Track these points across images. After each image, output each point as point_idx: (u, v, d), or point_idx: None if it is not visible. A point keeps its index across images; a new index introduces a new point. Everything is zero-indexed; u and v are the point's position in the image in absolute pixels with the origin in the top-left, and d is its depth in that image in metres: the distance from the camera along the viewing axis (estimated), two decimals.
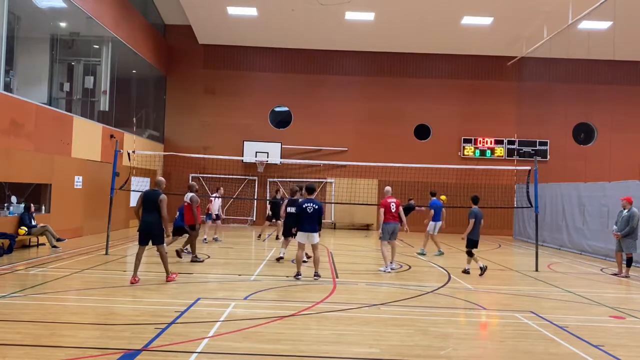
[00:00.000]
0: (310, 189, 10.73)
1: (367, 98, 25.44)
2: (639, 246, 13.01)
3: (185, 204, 12.60)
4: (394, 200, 11.95)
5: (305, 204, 10.32)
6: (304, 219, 10.27)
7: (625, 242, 12.28)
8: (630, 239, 12.23)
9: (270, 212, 17.14)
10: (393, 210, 11.78)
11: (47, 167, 14.96)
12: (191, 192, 12.84)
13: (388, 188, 12.40)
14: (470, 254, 11.76)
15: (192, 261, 12.12)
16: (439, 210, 15.42)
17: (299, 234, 10.43)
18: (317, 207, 10.32)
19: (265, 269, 11.69)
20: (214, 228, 17.20)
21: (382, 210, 11.85)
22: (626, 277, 12.26)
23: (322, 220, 10.75)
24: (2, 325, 6.36)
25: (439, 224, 15.50)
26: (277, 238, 17.43)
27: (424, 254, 15.21)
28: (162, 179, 10.04)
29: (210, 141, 24.99)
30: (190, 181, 24.27)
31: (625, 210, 12.33)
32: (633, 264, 13.72)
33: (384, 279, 10.87)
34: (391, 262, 11.85)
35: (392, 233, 11.79)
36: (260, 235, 18.17)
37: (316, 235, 10.36)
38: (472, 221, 11.67)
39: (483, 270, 11.54)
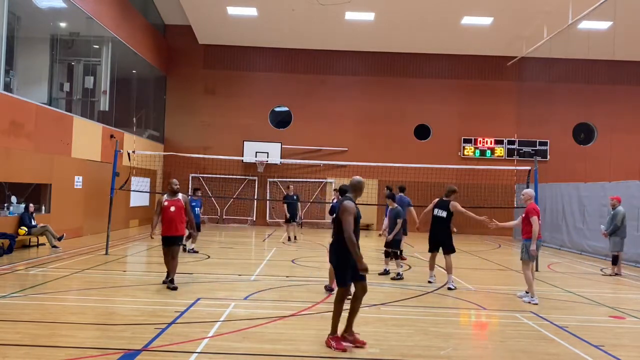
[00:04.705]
0: (344, 191, 9.94)
1: (367, 98, 25.42)
2: (628, 245, 13.11)
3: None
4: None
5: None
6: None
7: (612, 240, 12.47)
8: (617, 237, 12.40)
9: (287, 213, 16.88)
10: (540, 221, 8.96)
11: (47, 167, 14.96)
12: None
13: (531, 191, 9.22)
14: (397, 256, 10.99)
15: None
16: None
17: None
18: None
19: (266, 269, 11.69)
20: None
21: (536, 220, 8.76)
22: (616, 274, 12.39)
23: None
24: (2, 325, 6.36)
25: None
26: (289, 240, 17.27)
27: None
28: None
29: (210, 141, 24.98)
30: (190, 181, 24.44)
31: (612, 209, 12.55)
32: (632, 264, 13.74)
33: (384, 279, 10.84)
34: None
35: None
36: (290, 238, 17.25)
37: None
38: (400, 221, 10.65)
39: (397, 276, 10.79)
